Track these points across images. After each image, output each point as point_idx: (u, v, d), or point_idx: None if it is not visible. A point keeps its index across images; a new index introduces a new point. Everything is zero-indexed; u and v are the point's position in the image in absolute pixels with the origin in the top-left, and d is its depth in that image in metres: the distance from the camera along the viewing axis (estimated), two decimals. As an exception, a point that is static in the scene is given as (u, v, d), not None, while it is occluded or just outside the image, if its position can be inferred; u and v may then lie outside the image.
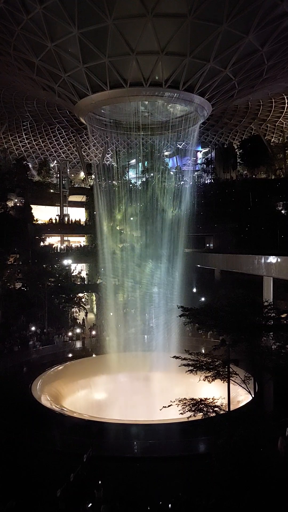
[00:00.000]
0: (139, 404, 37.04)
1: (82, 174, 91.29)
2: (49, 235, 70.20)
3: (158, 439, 27.91)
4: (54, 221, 74.76)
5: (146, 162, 76.33)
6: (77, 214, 78.13)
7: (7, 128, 77.65)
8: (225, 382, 21.34)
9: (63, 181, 77.63)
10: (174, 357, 25.73)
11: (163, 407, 22.40)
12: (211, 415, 21.06)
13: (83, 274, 69.05)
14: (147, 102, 44.65)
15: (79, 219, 76.76)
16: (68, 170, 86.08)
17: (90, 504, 18.47)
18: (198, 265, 58.58)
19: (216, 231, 63.86)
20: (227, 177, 77.78)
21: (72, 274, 59.06)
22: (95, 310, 66.06)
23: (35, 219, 68.03)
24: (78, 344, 49.93)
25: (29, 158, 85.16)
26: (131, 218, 60.78)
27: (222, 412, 21.10)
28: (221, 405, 21.26)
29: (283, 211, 65.48)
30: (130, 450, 26.43)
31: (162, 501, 18.79)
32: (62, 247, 72.22)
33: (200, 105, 42.43)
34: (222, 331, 24.80)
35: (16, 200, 70.28)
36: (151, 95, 40.27)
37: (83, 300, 59.17)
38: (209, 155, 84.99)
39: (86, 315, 60.91)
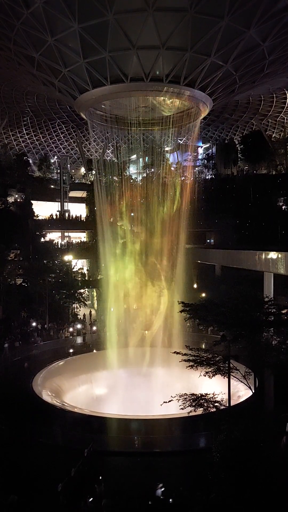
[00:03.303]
0: (139, 399, 37.18)
1: (82, 170, 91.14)
2: (49, 230, 70.25)
3: (159, 434, 28.03)
4: (54, 217, 74.74)
5: (146, 158, 76.18)
6: (78, 210, 78.10)
7: (8, 124, 77.41)
8: (225, 377, 21.40)
9: (64, 177, 77.60)
10: (174, 352, 25.82)
11: (164, 402, 22.51)
12: (212, 410, 21.16)
13: (84, 270, 69.08)
14: (148, 97, 44.43)
15: (80, 215, 76.71)
16: (69, 165, 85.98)
17: (91, 499, 18.54)
18: (199, 261, 58.56)
19: (217, 227, 63.86)
20: (228, 173, 77.68)
21: (73, 270, 59.06)
22: (95, 305, 66.14)
23: (35, 214, 67.98)
24: (79, 340, 50.09)
25: (29, 153, 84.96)
26: (132, 214, 60.70)
27: (222, 407, 21.18)
28: (222, 400, 21.35)
29: (284, 207, 65.41)
30: (130, 445, 26.54)
31: (163, 496, 18.87)
32: (62, 242, 72.26)
33: (201, 100, 42.23)
34: (223, 326, 24.88)
35: (16, 196, 70.27)
36: (151, 90, 40.09)
37: (83, 296, 59.24)
38: (210, 150, 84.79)
39: (90, 313, 60.80)
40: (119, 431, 28.61)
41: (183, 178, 71.41)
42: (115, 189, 58.87)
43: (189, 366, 23.05)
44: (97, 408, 34.84)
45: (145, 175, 70.24)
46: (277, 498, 15.91)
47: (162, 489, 19.10)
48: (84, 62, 36.79)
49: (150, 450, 25.65)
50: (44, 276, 52.10)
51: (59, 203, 76.94)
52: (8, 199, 67.25)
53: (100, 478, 20.28)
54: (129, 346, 46.35)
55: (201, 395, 21.61)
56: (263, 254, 41.98)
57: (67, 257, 62.33)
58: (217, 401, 21.28)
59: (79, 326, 53.52)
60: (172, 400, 22.05)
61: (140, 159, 79.43)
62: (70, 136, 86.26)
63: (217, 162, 78.46)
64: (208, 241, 66.74)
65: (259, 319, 24.62)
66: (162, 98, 44.07)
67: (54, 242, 67.95)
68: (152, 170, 70.44)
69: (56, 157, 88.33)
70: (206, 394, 21.66)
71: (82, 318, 57.50)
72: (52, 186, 79.94)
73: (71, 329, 51.98)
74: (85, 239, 75.57)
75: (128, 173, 76.86)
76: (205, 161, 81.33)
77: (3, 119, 74.46)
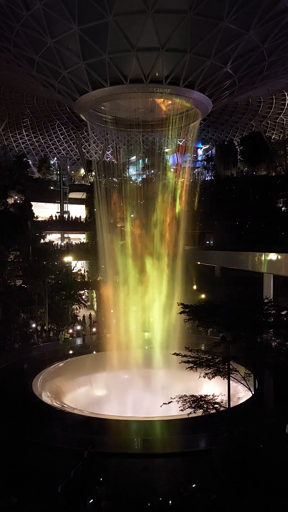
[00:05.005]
0: (139, 400, 37.17)
1: (82, 171, 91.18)
2: (49, 232, 70.23)
3: (159, 435, 28.00)
4: (54, 218, 74.77)
5: (146, 159, 76.22)
6: (77, 211, 78.14)
7: (7, 125, 77.44)
8: (225, 379, 21.38)
9: (63, 178, 77.59)
10: (174, 354, 25.78)
11: (164, 403, 22.50)
12: (211, 411, 21.13)
13: (83, 271, 69.04)
14: (147, 99, 44.48)
15: (79, 216, 76.77)
16: (68, 167, 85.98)
17: (91, 500, 18.53)
18: (198, 262, 58.57)
19: (217, 228, 63.82)
20: (227, 174, 77.65)
21: (73, 271, 59.04)
22: (95, 307, 66.12)
23: (35, 216, 68.02)
24: (79, 341, 50.05)
25: (29, 155, 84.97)
26: (132, 215, 60.74)
27: (222, 408, 21.16)
28: (221, 402, 21.32)
29: (283, 208, 65.45)
30: (130, 446, 26.51)
31: (163, 498, 18.85)
32: (62, 244, 72.28)
33: (200, 101, 42.31)
34: (222, 328, 24.86)
35: (16, 197, 70.28)
36: (151, 91, 40.16)
37: (83, 297, 59.16)
38: (210, 152, 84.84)
39: (90, 315, 60.63)
40: (119, 432, 28.60)
41: (183, 179, 71.44)
42: (114, 191, 58.91)
43: (189, 367, 23.04)
44: (97, 409, 34.83)
45: (145, 177, 70.27)
46: (277, 499, 15.91)
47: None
48: (84, 63, 36.89)
49: (149, 452, 25.62)
50: (43, 277, 52.05)
51: (59, 204, 76.96)
52: (8, 200, 67.27)
53: (101, 479, 20.28)
54: (129, 347, 46.26)
55: (201, 396, 21.59)
56: (263, 255, 42.00)
57: (67, 259, 62.31)
58: (217, 403, 21.26)
59: (78, 327, 53.49)
60: (171, 401, 22.04)
61: (140, 161, 79.45)
62: (70, 137, 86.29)
63: (217, 164, 78.44)
64: (208, 242, 66.69)
65: (259, 320, 24.61)
66: (162, 99, 44.15)
67: (53, 244, 67.95)
68: (152, 171, 70.45)
69: (56, 158, 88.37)
70: (206, 395, 21.64)
71: (81, 320, 57.43)
72: (51, 188, 79.92)
73: (70, 331, 51.93)
74: (84, 240, 75.57)
75: (127, 174, 76.87)
76: (205, 162, 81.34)
77: (3, 120, 74.48)
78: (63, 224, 74.57)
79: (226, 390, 21.09)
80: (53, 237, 74.67)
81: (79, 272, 65.25)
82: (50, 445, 25.35)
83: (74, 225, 75.01)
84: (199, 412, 21.65)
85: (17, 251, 56.92)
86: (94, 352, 46.76)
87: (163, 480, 22.12)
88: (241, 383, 22.98)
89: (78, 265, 68.40)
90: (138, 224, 58.29)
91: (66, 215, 76.71)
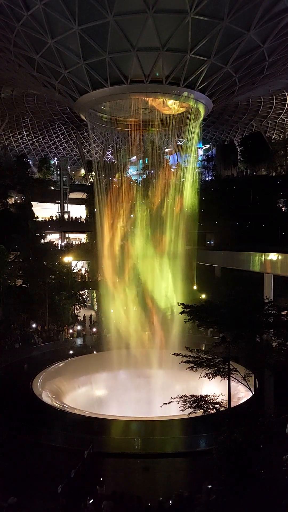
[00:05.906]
0: (139, 401, 37.15)
1: (82, 171, 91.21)
2: (49, 232, 70.20)
3: (159, 435, 27.99)
4: (54, 218, 74.77)
5: (146, 159, 76.15)
6: (78, 211, 78.10)
7: (8, 125, 77.43)
8: (225, 379, 21.38)
9: (64, 178, 77.60)
10: (174, 354, 25.80)
11: (164, 403, 22.50)
12: (212, 411, 21.13)
13: (83, 271, 69.03)
14: (147, 99, 44.47)
15: (80, 216, 76.73)
16: (69, 167, 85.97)
17: (91, 500, 18.53)
18: (199, 262, 58.55)
19: (217, 228, 63.83)
20: (227, 174, 77.65)
21: (73, 271, 59.02)
22: (95, 307, 66.11)
23: (35, 216, 67.98)
24: (79, 341, 50.03)
25: (29, 155, 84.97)
26: (132, 216, 60.72)
27: (222, 408, 21.15)
28: (222, 402, 21.32)
29: (283, 208, 65.45)
30: (130, 447, 26.50)
31: (163, 498, 18.83)
32: (62, 244, 72.27)
33: (200, 102, 42.29)
34: (223, 328, 24.88)
35: (16, 197, 70.30)
36: (151, 92, 40.15)
37: (83, 297, 59.15)
38: (210, 152, 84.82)
39: (90, 316, 60.53)
40: (119, 432, 28.61)
41: (183, 179, 71.39)
42: (115, 191, 58.88)
43: (189, 367, 23.05)
44: (97, 409, 34.82)
45: (145, 177, 70.25)
46: (277, 499, 15.88)
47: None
48: (84, 63, 36.86)
49: (150, 452, 25.60)
50: (44, 277, 52.06)
51: (59, 204, 76.98)
52: (8, 200, 67.27)
53: (101, 479, 20.28)
54: (129, 347, 46.24)
55: (201, 396, 21.59)
56: (263, 255, 42.03)
57: (67, 259, 62.30)
58: (217, 403, 21.26)
59: (79, 327, 53.47)
60: (172, 401, 22.04)
61: (140, 161, 79.39)
62: (70, 137, 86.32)
63: (217, 164, 78.44)
64: (208, 242, 66.68)
65: (259, 320, 24.64)
66: (162, 99, 44.13)
67: (54, 244, 67.90)
68: (152, 171, 70.38)
69: (56, 158, 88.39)
70: (206, 395, 21.64)
71: (81, 320, 57.40)
72: (52, 188, 79.96)
73: (71, 331, 51.92)
74: (85, 241, 75.53)
75: (128, 174, 76.84)
76: (205, 162, 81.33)
77: (3, 120, 74.47)
78: (63, 224, 74.61)
79: (227, 390, 21.08)
80: (53, 237, 74.65)
81: (79, 272, 65.22)
82: (50, 445, 25.35)
83: (74, 225, 75.07)
84: (200, 412, 21.65)
85: (17, 251, 56.91)
86: (94, 352, 46.74)
87: (163, 480, 22.12)
88: (242, 383, 23.00)
89: (78, 265, 68.35)
90: (138, 224, 58.26)
91: (66, 215, 76.71)
